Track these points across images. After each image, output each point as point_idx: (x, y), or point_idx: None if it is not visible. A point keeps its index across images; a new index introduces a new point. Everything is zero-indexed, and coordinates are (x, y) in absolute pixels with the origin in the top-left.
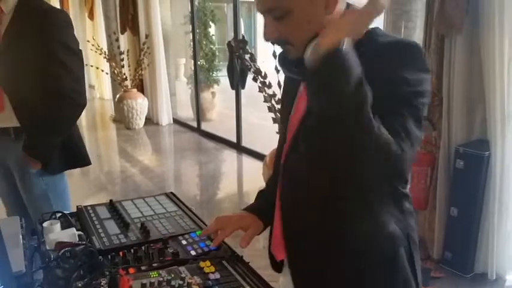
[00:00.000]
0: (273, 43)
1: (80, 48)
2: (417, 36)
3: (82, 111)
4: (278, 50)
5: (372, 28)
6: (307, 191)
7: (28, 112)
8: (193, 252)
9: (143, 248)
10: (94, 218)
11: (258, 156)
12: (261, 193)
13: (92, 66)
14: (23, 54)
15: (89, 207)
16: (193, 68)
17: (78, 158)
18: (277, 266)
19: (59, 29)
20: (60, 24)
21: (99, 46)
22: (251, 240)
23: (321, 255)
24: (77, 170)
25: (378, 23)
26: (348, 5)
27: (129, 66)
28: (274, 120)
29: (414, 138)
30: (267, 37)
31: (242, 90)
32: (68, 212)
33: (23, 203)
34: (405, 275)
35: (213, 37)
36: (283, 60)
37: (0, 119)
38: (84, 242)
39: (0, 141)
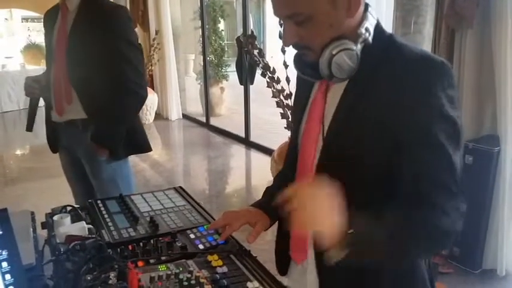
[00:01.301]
0: (294, 47)
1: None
2: (427, 31)
3: (144, 103)
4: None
5: (390, 34)
6: None
7: (95, 104)
8: (201, 246)
9: (152, 241)
10: (104, 212)
11: (266, 151)
12: (268, 189)
13: None
14: (89, 51)
15: (99, 201)
16: (202, 63)
17: (141, 144)
18: (283, 268)
19: (123, 26)
20: (124, 21)
21: None
22: (258, 235)
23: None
24: None
25: (387, 17)
26: (367, 6)
27: None
28: (283, 116)
29: (459, 173)
30: (287, 42)
31: (251, 86)
32: (77, 206)
33: (91, 191)
34: None
35: (222, 33)
36: (298, 61)
37: (68, 112)
38: (93, 236)
39: (69, 132)
